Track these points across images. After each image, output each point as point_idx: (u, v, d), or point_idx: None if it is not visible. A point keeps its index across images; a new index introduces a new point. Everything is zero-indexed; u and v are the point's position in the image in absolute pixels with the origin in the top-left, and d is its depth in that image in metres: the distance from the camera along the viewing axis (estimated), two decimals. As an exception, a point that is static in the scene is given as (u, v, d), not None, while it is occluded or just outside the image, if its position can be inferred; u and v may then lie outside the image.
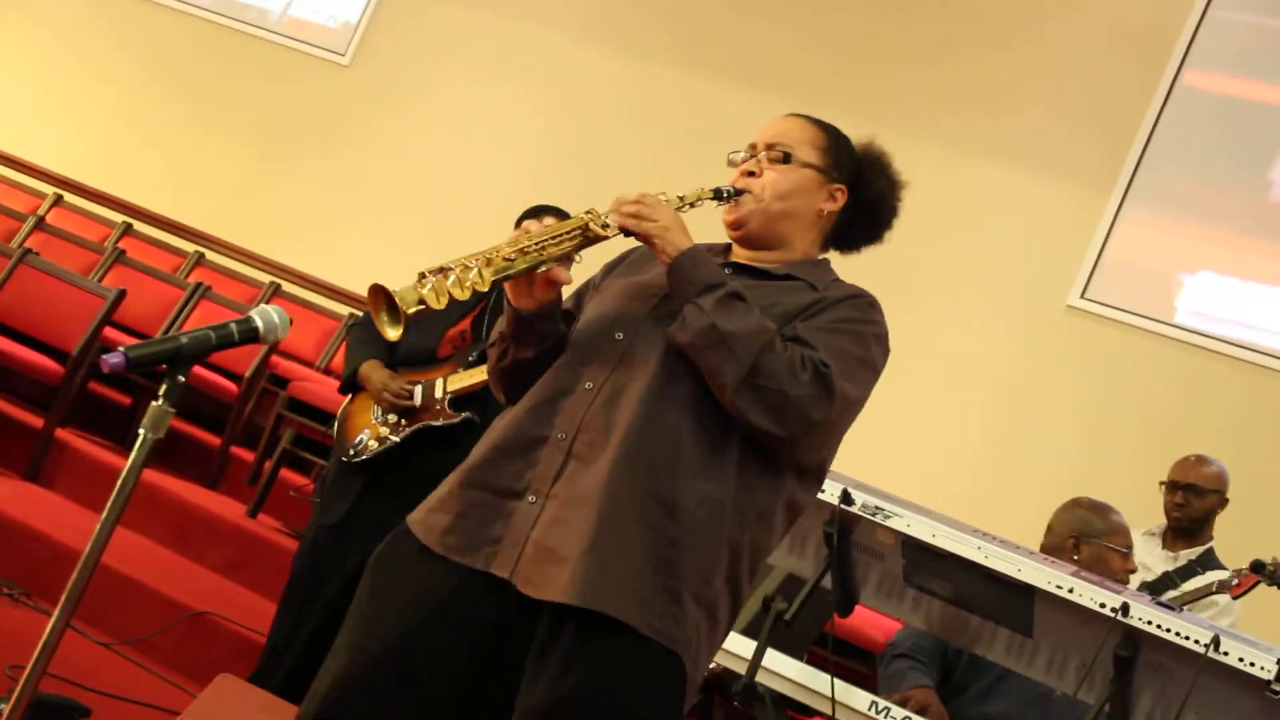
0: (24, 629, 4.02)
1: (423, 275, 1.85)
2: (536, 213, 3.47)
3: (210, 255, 7.59)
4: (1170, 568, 4.31)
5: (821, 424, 1.94)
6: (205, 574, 5.02)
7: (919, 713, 3.06)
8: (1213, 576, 4.23)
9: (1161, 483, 4.49)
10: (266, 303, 6.98)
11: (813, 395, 1.91)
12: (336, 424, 3.54)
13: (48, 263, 6.01)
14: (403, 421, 3.39)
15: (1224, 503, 4.46)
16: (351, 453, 3.41)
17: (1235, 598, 4.15)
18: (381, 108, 8.11)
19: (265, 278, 7.45)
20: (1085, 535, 3.42)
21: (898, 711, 2.93)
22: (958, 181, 6.83)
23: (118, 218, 7.82)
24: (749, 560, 2.00)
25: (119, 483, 1.82)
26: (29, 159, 8.17)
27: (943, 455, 6.47)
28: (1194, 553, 4.36)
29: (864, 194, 2.19)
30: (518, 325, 2.04)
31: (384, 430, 3.39)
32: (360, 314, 3.72)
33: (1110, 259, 6.62)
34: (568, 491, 1.93)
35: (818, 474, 2.07)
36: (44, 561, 4.42)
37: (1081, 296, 6.60)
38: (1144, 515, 4.74)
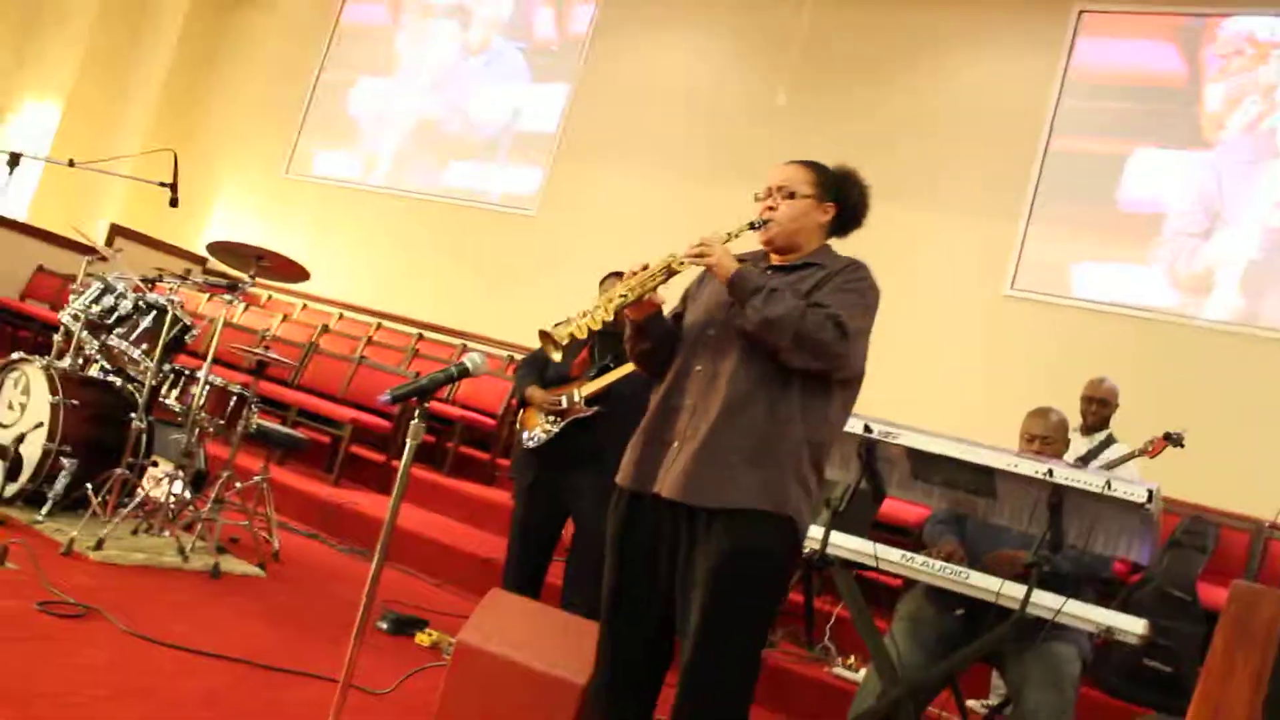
0: (388, 581, 4.24)
1: (569, 319, 1.96)
2: (616, 275, 3.52)
3: (470, 345, 7.83)
4: (1089, 447, 4.27)
5: (847, 351, 1.97)
6: (490, 537, 5.14)
7: (946, 558, 2.97)
8: (1131, 446, 4.14)
9: (1081, 397, 4.43)
10: (506, 370, 7.30)
11: (836, 337, 1.94)
12: (517, 426, 3.65)
13: (372, 361, 6.51)
14: (558, 418, 3.47)
15: (1116, 406, 4.39)
16: (530, 442, 3.50)
17: (1152, 457, 4.06)
18: (563, 244, 8.08)
19: (504, 353, 7.68)
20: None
21: (918, 558, 2.89)
22: (914, 222, 6.82)
23: (413, 331, 8.19)
24: (826, 447, 2.03)
25: (400, 471, 1.98)
26: (377, 306, 8.52)
27: (940, 395, 6.44)
28: (1101, 435, 4.26)
29: (846, 202, 2.17)
30: (635, 329, 2.08)
31: (549, 425, 3.47)
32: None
33: (1026, 260, 6.72)
34: (694, 434, 1.99)
35: (857, 382, 2.07)
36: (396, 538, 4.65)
37: (1011, 287, 6.69)
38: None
